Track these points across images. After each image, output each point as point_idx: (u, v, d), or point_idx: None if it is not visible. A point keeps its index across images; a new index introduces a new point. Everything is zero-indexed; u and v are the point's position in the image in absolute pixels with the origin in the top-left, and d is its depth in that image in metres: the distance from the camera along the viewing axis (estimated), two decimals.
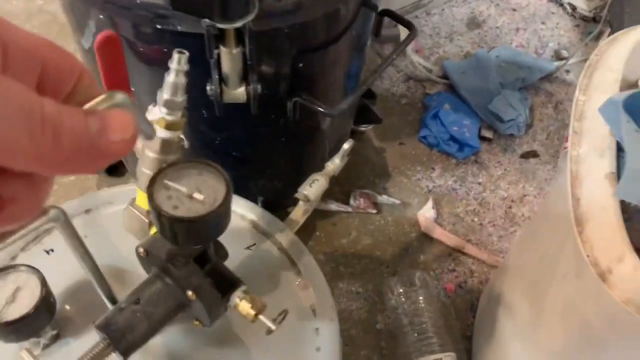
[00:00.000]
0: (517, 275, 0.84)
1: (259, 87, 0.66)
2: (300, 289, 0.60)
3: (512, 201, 1.22)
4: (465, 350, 1.00)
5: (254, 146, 0.88)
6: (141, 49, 0.70)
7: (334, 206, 1.16)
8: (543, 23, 1.59)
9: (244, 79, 0.66)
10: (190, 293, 0.44)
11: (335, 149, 0.73)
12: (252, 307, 0.44)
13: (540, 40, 1.54)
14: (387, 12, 0.85)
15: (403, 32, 0.97)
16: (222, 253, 0.49)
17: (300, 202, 0.75)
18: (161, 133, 0.45)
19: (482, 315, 0.98)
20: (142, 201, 0.52)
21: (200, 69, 0.68)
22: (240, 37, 0.61)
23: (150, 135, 0.29)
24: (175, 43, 0.68)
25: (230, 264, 0.59)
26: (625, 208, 0.53)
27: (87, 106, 0.24)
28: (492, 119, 1.30)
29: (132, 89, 0.60)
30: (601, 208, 0.51)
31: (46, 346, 0.53)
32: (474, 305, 1.06)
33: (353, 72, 0.92)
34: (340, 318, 1.06)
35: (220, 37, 0.61)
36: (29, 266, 0.51)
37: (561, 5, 1.62)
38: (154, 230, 0.51)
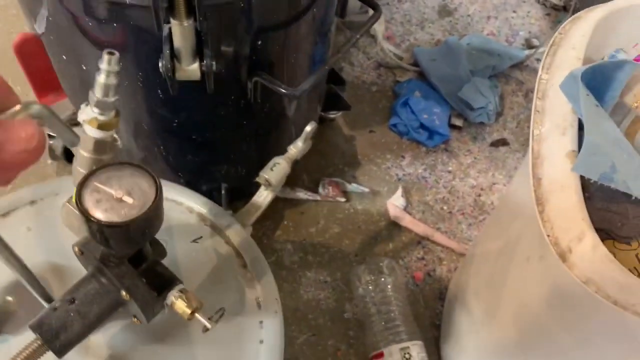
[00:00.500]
0: (482, 263, 0.83)
1: (214, 64, 0.63)
2: (246, 282, 0.58)
3: (482, 189, 1.21)
4: (433, 339, 0.99)
5: (215, 129, 0.85)
6: (90, 25, 0.67)
7: (302, 194, 1.14)
8: (514, 11, 1.58)
9: (199, 55, 0.64)
10: (124, 293, 0.44)
11: None
12: (188, 306, 0.44)
13: (511, 28, 1.54)
14: None
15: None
16: (160, 251, 0.48)
17: (262, 187, 0.73)
18: (94, 133, 0.45)
19: (450, 303, 0.97)
20: None
21: (154, 45, 0.65)
22: (192, 8, 0.58)
23: (74, 142, 0.27)
24: (126, 17, 0.65)
25: (176, 257, 0.58)
26: (586, 187, 0.52)
27: (0, 118, 0.24)
28: (462, 107, 1.29)
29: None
30: (561, 187, 0.50)
31: None
32: (442, 294, 1.05)
33: (318, 57, 0.89)
34: (308, 307, 1.05)
35: (170, 9, 0.58)
36: None
37: None
38: None
